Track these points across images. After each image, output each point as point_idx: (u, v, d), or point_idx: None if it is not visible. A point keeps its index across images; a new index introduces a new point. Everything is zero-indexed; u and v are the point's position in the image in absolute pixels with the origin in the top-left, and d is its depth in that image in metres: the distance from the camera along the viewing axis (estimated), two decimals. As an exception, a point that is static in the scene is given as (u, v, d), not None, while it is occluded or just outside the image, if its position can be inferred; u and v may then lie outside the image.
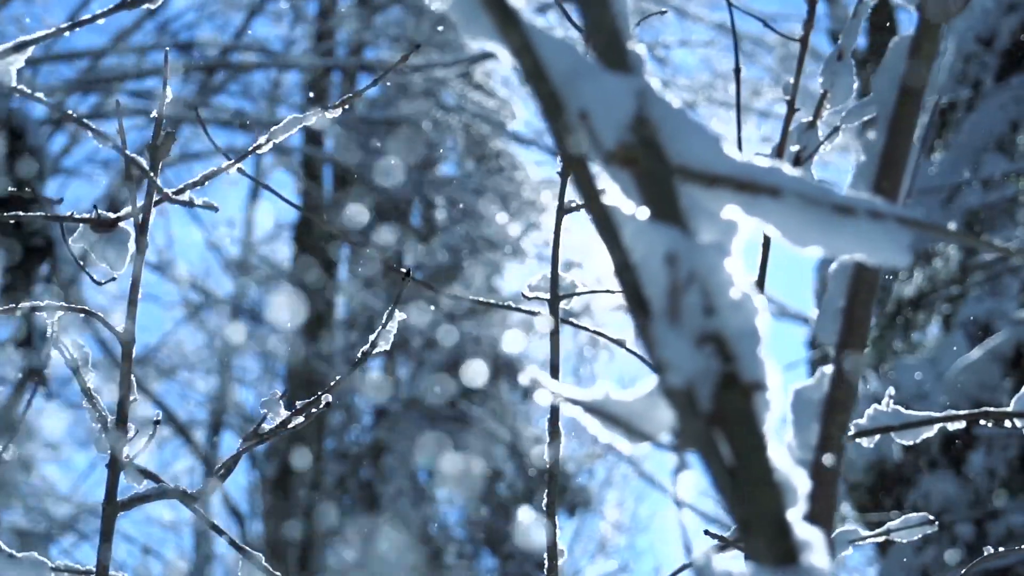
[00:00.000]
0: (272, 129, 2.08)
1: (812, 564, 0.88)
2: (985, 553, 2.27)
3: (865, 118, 2.38)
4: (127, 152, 1.89)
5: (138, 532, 17.09)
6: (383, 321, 1.98)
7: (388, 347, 2.03)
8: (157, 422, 1.89)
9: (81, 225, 2.09)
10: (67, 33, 1.88)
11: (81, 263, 2.04)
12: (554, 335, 2.15)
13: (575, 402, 0.95)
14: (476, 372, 16.27)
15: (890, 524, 2.29)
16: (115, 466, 1.80)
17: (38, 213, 2.01)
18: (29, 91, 1.90)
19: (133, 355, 1.81)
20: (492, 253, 16.21)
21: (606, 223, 0.94)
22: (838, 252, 0.99)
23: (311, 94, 15.33)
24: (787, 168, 0.98)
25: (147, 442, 1.83)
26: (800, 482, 0.90)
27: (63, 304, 1.88)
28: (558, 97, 0.94)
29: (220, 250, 16.85)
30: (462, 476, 17.22)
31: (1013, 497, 9.53)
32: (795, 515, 0.89)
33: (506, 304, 2.31)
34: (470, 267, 16.88)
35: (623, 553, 19.90)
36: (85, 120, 1.85)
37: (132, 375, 1.80)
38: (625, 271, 0.93)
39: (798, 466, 0.91)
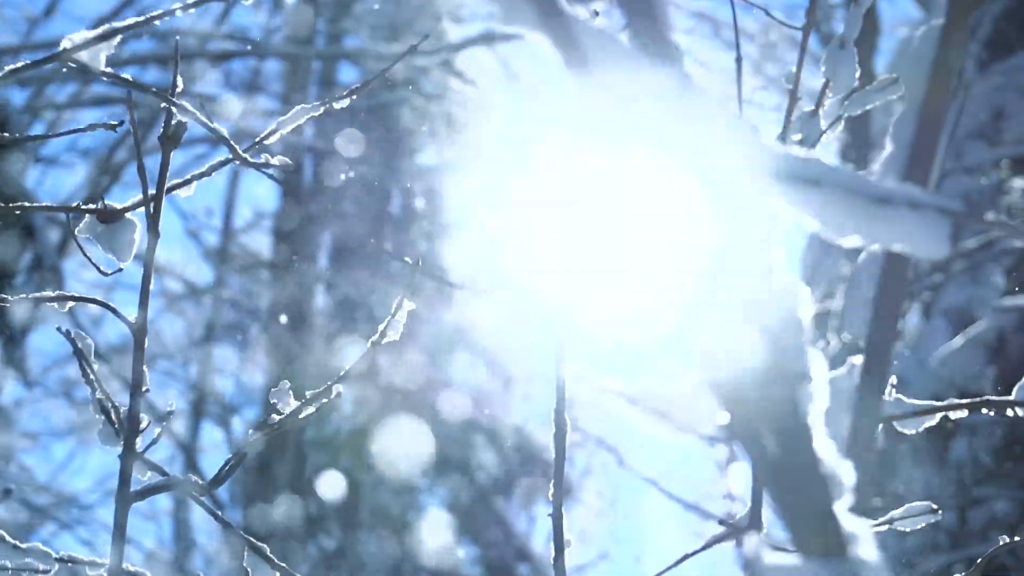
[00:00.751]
0: (280, 119, 2.08)
1: (860, 556, 0.88)
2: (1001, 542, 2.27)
3: (868, 107, 2.39)
4: (210, 125, 1.88)
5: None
6: (392, 311, 1.98)
7: (398, 337, 2.03)
8: (170, 412, 1.89)
9: (87, 216, 2.08)
10: (157, 22, 1.89)
11: (87, 255, 2.03)
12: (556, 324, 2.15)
13: (617, 394, 0.95)
14: (457, 360, 16.27)
15: (893, 513, 2.30)
16: (129, 457, 1.80)
17: (44, 204, 2.00)
18: (117, 75, 1.91)
19: (146, 346, 1.81)
20: (467, 242, 16.20)
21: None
22: (877, 242, 0.99)
23: (293, 83, 15.30)
24: (825, 158, 0.98)
25: (160, 433, 1.83)
26: (846, 474, 0.91)
27: (75, 295, 1.88)
28: (600, 89, 0.94)
29: (199, 238, 16.81)
30: (442, 464, 17.23)
31: (996, 485, 9.56)
32: (842, 507, 0.90)
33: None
34: (449, 255, 16.87)
35: (604, 541, 19.89)
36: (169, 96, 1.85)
37: (144, 366, 1.80)
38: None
39: (844, 458, 0.91)
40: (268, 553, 2.07)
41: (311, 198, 15.94)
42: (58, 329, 2.16)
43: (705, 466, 18.11)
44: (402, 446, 16.81)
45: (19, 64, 1.90)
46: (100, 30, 1.84)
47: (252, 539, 2.11)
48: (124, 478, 1.77)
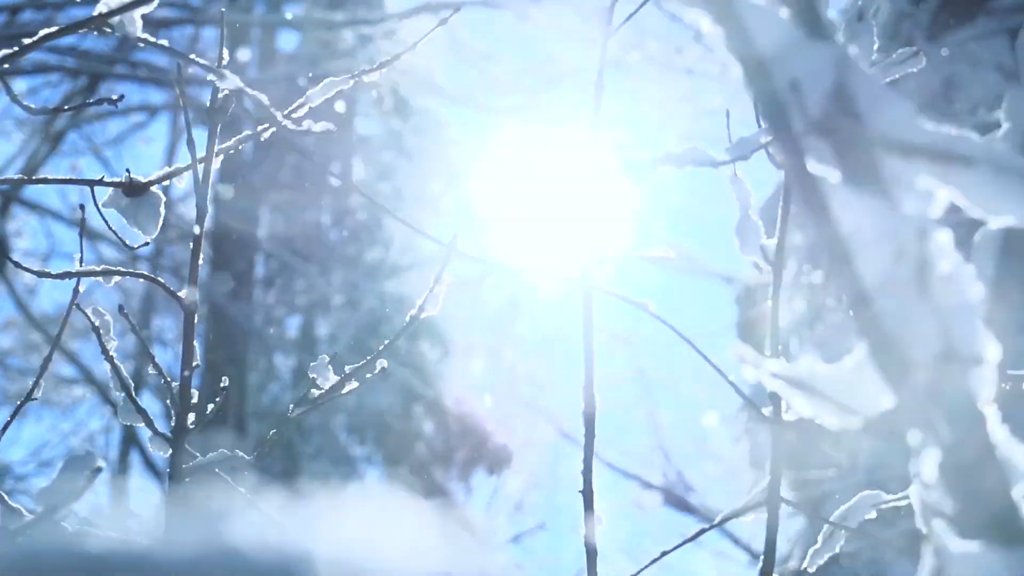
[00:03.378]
0: (308, 92, 2.05)
1: (1043, 542, 0.87)
2: None
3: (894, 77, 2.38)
4: (250, 93, 1.84)
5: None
6: (431, 285, 1.95)
7: (437, 311, 2.01)
8: (224, 388, 1.85)
9: (111, 189, 2.04)
10: None
11: (113, 228, 1.99)
12: (587, 302, 2.13)
13: (780, 377, 0.93)
14: (396, 331, 16.24)
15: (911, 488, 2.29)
16: (181, 433, 1.76)
17: (67, 178, 1.96)
18: (156, 42, 1.87)
19: (196, 321, 1.78)
20: (413, 211, 16.14)
21: (813, 194, 0.93)
22: (1029, 222, 0.98)
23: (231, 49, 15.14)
24: (977, 136, 0.97)
25: (213, 410, 1.80)
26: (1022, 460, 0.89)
27: (128, 270, 1.84)
28: (765, 66, 0.92)
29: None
30: (382, 435, 17.21)
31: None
32: (1020, 493, 0.88)
33: (533, 271, 2.28)
34: (390, 226, 16.80)
35: (541, 511, 19.93)
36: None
37: (195, 342, 1.77)
38: (835, 243, 0.91)
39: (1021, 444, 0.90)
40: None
41: (251, 168, 15.82)
42: (76, 306, 2.12)
43: (640, 435, 18.19)
44: (342, 415, 16.78)
45: (54, 28, 1.86)
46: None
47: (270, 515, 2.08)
48: (177, 454, 1.73)
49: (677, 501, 16.95)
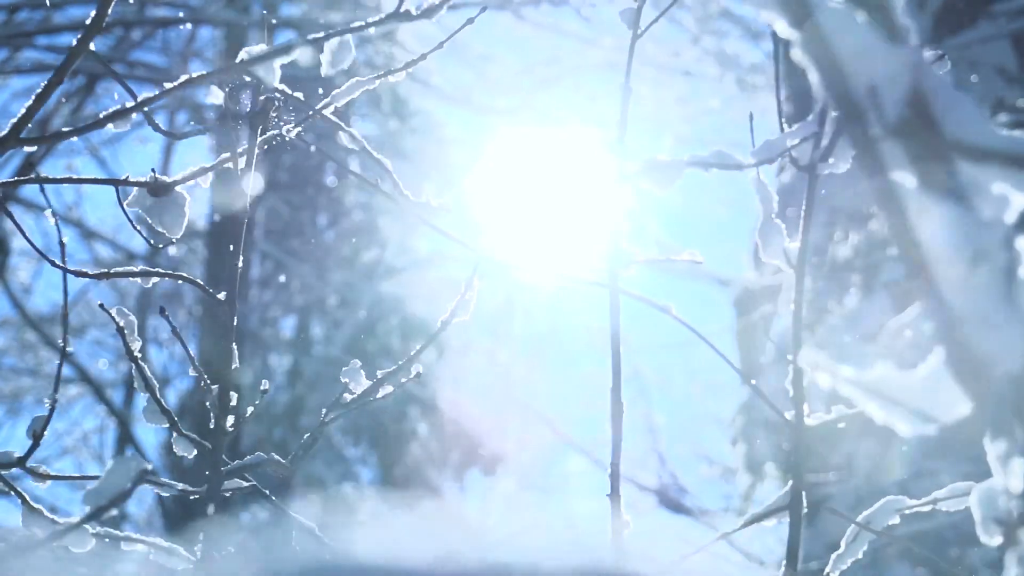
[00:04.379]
0: (334, 92, 2.04)
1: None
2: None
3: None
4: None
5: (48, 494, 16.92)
6: (463, 289, 1.94)
7: (468, 317, 2.00)
8: (264, 391, 1.84)
9: (135, 189, 2.03)
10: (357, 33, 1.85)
11: (137, 228, 1.98)
12: (614, 305, 2.12)
13: (854, 383, 0.93)
14: (391, 332, 16.23)
15: (937, 493, 2.29)
16: (220, 436, 1.75)
17: (93, 178, 1.95)
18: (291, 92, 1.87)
19: (236, 323, 1.76)
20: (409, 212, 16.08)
21: (891, 199, 0.92)
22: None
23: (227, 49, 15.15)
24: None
25: (251, 413, 1.79)
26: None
27: (164, 271, 1.83)
28: (842, 70, 0.92)
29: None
30: (376, 436, 17.19)
31: (943, 458, 9.61)
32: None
33: (559, 274, 2.27)
34: (386, 226, 16.79)
35: (534, 512, 19.92)
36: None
37: (235, 343, 1.75)
38: (912, 248, 0.91)
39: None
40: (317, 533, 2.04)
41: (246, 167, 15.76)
42: (100, 306, 2.11)
43: (636, 436, 18.17)
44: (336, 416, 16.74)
45: (200, 74, 1.86)
46: (276, 46, 1.82)
47: (296, 516, 2.07)
48: (216, 455, 1.72)
49: (671, 503, 16.95)
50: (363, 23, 1.94)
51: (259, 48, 1.80)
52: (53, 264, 1.85)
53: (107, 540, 2.09)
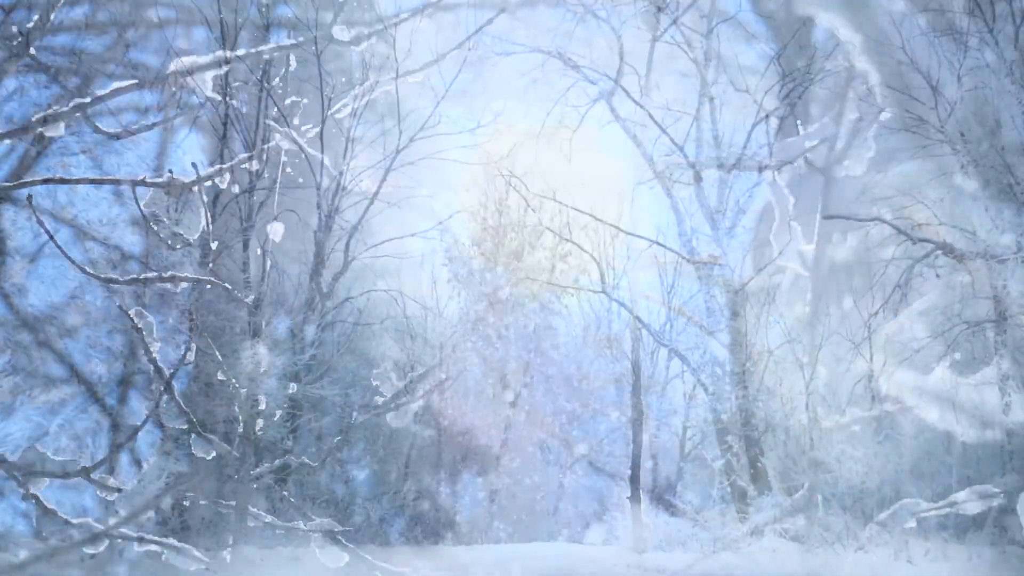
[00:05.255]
0: (356, 89, 2.02)
1: None
2: None
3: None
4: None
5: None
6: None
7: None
8: (289, 394, 1.82)
9: (152, 189, 2.01)
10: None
11: (154, 228, 1.96)
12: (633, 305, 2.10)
13: (915, 388, 0.91)
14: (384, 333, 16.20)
15: (956, 496, 2.27)
16: (248, 441, 1.73)
17: (111, 178, 1.92)
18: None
19: (263, 329, 1.74)
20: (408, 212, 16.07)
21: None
22: None
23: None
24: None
25: (277, 417, 1.76)
26: None
27: (188, 276, 1.81)
28: (902, 73, 0.90)
29: (127, 206, 16.55)
30: (370, 435, 17.16)
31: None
32: None
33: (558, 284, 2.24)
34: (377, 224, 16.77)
35: (523, 512, 19.91)
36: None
37: (262, 343, 1.73)
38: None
39: None
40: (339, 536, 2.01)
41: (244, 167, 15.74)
42: (119, 308, 2.09)
43: (620, 438, 18.13)
44: (330, 416, 16.71)
45: (131, 82, 1.83)
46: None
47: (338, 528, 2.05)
48: (244, 459, 1.70)
49: (663, 503, 16.98)
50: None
51: (190, 59, 1.78)
52: (83, 271, 1.83)
53: (120, 541, 2.07)
